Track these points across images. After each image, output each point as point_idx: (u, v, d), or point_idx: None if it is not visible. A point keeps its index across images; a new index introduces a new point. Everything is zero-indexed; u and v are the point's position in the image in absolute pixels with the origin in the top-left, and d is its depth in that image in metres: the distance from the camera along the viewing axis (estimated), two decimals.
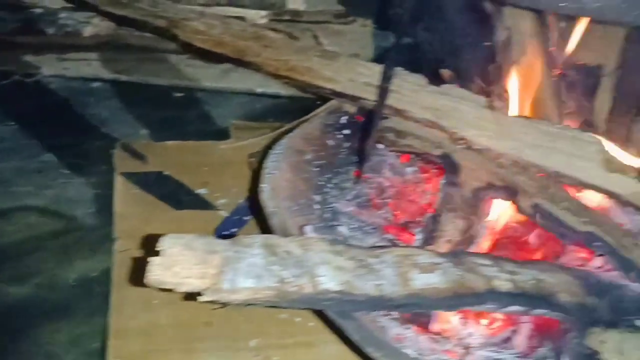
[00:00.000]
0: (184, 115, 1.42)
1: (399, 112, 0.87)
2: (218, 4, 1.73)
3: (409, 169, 0.98)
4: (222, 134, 1.33)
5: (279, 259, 0.58)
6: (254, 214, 1.00)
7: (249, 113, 1.40)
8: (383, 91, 0.85)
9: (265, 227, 0.80)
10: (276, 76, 1.02)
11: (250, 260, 0.56)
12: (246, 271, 0.55)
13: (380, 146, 0.96)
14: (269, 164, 0.85)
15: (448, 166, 0.87)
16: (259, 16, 1.66)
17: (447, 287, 0.62)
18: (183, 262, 0.54)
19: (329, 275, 0.58)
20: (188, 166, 1.18)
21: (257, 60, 1.04)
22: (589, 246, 0.72)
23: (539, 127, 0.77)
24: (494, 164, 0.80)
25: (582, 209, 0.73)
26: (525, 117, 0.81)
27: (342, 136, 1.01)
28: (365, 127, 0.93)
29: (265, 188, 0.80)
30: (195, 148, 1.23)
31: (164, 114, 1.40)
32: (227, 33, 1.10)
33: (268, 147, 0.96)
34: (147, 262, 0.53)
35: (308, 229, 0.79)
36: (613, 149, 0.74)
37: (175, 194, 1.11)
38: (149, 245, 0.56)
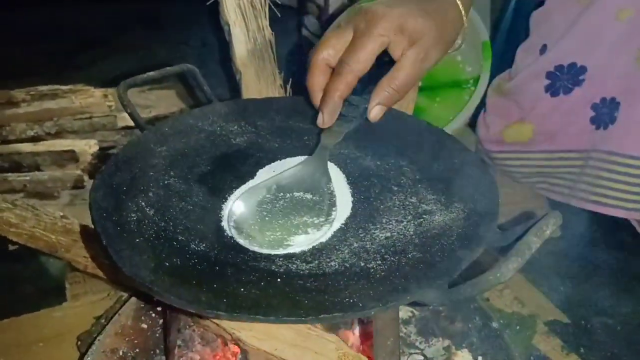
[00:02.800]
0: (19, 272, 1.47)
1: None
2: (48, 133, 1.79)
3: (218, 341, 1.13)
4: (59, 292, 1.41)
5: None
6: None
7: None
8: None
9: None
10: (85, 273, 1.12)
11: None
12: None
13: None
14: None
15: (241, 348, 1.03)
16: (89, 146, 1.73)
17: None
18: None
19: None
20: (22, 345, 1.24)
21: (68, 256, 1.14)
22: None
23: (296, 328, 0.96)
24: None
25: None
26: None
27: (155, 315, 1.15)
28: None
29: None
30: (28, 321, 1.30)
31: None
32: (39, 226, 1.18)
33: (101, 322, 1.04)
34: None
35: None
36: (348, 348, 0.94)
37: None
38: None
